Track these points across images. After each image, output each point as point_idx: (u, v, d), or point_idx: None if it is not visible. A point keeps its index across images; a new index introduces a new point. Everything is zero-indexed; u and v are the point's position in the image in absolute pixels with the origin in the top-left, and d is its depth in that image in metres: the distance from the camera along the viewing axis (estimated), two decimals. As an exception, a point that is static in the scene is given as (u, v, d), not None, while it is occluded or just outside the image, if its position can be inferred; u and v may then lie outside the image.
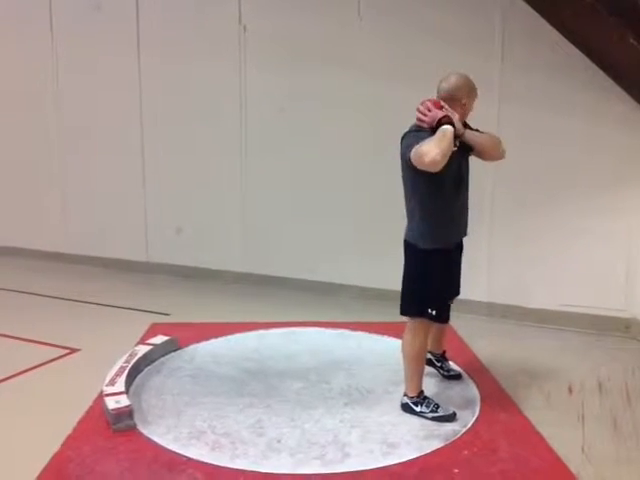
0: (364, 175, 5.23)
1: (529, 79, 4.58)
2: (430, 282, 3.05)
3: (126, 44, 6.01)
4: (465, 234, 3.23)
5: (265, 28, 5.47)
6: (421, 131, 2.88)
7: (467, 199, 3.16)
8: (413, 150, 2.77)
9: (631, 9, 3.35)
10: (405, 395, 3.20)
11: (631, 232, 4.50)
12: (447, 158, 2.70)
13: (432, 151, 2.67)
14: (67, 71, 6.38)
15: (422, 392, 3.19)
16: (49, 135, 6.59)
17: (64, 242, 6.70)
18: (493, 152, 3.09)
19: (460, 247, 3.25)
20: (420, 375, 3.19)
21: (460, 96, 2.93)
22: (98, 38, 6.15)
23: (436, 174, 2.79)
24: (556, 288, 4.75)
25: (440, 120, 2.78)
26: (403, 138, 2.93)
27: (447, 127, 2.75)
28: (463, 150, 3.02)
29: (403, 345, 3.19)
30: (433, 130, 2.80)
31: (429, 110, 2.84)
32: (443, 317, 3.12)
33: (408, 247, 3.12)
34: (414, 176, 2.93)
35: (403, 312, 3.17)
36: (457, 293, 3.35)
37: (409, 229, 3.12)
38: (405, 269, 3.16)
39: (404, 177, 3.04)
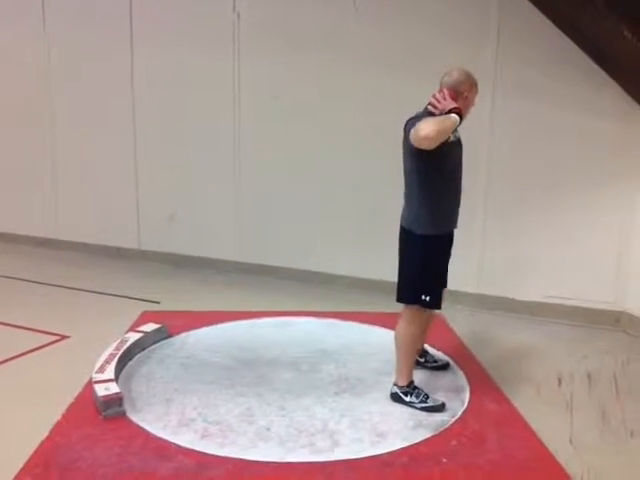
0: (359, 166, 5.22)
1: (524, 72, 4.57)
2: (424, 268, 3.08)
3: (119, 31, 5.96)
4: (456, 225, 3.24)
5: (259, 15, 5.44)
6: (428, 116, 2.91)
7: (461, 191, 3.20)
8: (413, 128, 2.80)
9: (627, 1, 3.35)
10: (395, 384, 3.21)
11: (623, 226, 4.52)
12: (441, 140, 2.75)
13: (428, 127, 2.72)
14: (59, 58, 6.33)
15: (412, 382, 3.20)
16: (41, 122, 6.53)
17: (55, 228, 6.67)
18: None
19: (451, 239, 3.26)
20: (411, 364, 3.21)
21: (462, 90, 3.00)
22: (91, 23, 6.10)
23: (437, 162, 2.89)
24: (547, 280, 4.78)
25: (451, 110, 2.86)
26: (407, 123, 2.93)
27: (454, 115, 2.84)
28: (460, 144, 3.12)
29: (397, 333, 3.19)
30: None
31: (444, 99, 2.92)
32: (436, 304, 3.13)
33: (404, 233, 3.15)
34: (417, 163, 2.98)
35: (399, 299, 3.19)
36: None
37: (407, 215, 3.13)
38: (400, 255, 3.19)
39: (406, 164, 3.06)
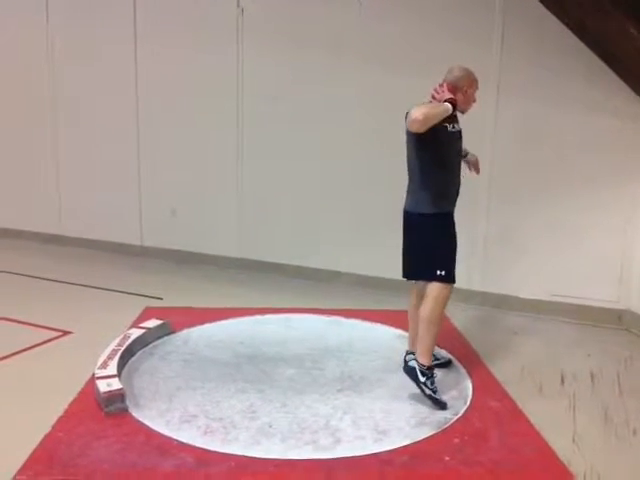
0: (361, 162, 5.21)
1: (528, 71, 4.56)
2: (434, 244, 3.21)
3: (122, 26, 5.95)
4: (454, 207, 3.32)
5: (263, 11, 5.42)
6: None
7: (459, 177, 3.34)
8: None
9: (632, -1, 3.33)
10: (416, 359, 3.21)
11: (626, 225, 4.50)
12: (430, 123, 2.94)
13: (418, 111, 2.93)
14: (63, 53, 6.32)
15: (433, 368, 3.22)
16: (44, 118, 6.53)
17: (58, 224, 6.67)
18: None
19: (453, 218, 3.32)
20: (434, 344, 3.24)
21: (462, 85, 3.20)
22: (94, 19, 6.09)
23: (437, 150, 3.11)
24: (550, 279, 4.76)
25: (446, 100, 3.07)
26: (407, 113, 3.06)
27: (446, 103, 3.05)
28: (461, 136, 3.28)
29: (422, 312, 3.21)
30: None
31: (442, 91, 3.15)
32: (452, 277, 3.21)
33: (409, 216, 3.29)
34: (418, 151, 3.16)
35: (411, 276, 3.34)
36: None
37: (410, 200, 3.27)
38: (407, 239, 3.32)
39: (409, 152, 3.23)
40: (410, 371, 3.20)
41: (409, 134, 3.12)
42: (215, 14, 5.58)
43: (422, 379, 3.15)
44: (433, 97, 3.17)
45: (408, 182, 3.29)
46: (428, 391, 3.12)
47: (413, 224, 3.28)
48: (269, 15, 5.40)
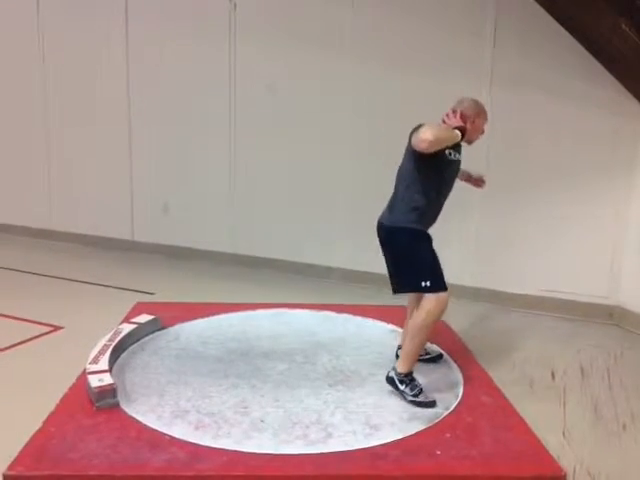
0: (355, 158, 5.21)
1: (520, 65, 4.57)
2: (415, 256, 3.15)
3: (114, 19, 5.92)
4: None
5: (256, 6, 5.40)
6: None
7: (444, 202, 3.30)
8: (416, 131, 2.96)
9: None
10: (394, 369, 3.21)
11: (617, 220, 4.53)
12: (438, 147, 2.92)
13: (429, 131, 2.89)
14: (53, 47, 6.28)
15: (411, 373, 3.20)
16: (35, 112, 6.49)
17: (49, 219, 6.64)
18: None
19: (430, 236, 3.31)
20: (417, 355, 3.22)
21: (470, 114, 3.21)
22: (86, 11, 6.05)
23: (434, 173, 3.08)
24: (541, 274, 4.79)
25: (456, 127, 3.07)
26: (413, 130, 3.03)
27: (456, 130, 3.05)
28: (459, 166, 3.29)
29: (413, 321, 3.18)
30: None
31: (455, 117, 3.15)
32: (440, 286, 3.14)
33: (389, 231, 3.21)
34: (416, 171, 3.11)
35: (398, 290, 3.26)
36: None
37: (392, 214, 3.21)
38: (389, 252, 3.24)
39: (405, 166, 3.18)
40: (390, 381, 3.21)
41: (410, 150, 3.08)
42: (207, 9, 5.56)
43: (401, 387, 3.15)
44: (444, 121, 3.15)
45: (393, 195, 3.23)
46: (410, 397, 3.11)
47: (389, 238, 3.22)
48: (262, 10, 5.39)
